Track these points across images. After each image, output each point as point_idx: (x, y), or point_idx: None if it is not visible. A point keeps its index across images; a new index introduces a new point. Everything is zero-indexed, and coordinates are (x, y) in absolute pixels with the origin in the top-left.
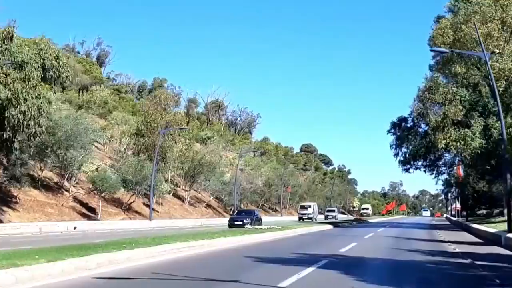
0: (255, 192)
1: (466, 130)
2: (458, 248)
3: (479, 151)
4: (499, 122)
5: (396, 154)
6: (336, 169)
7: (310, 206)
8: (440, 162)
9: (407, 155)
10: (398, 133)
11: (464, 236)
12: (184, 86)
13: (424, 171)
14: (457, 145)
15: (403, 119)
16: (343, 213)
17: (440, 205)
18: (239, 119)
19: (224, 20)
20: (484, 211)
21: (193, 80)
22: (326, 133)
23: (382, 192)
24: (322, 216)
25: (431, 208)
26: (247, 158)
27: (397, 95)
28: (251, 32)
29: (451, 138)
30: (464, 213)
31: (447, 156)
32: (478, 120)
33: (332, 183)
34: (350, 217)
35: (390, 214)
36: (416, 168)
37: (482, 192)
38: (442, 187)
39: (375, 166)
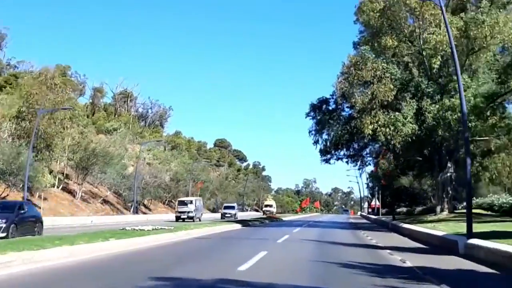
0: (160, 187)
1: (397, 113)
2: (408, 261)
3: (410, 139)
4: (433, 105)
5: (316, 142)
6: (251, 165)
7: (191, 202)
8: (365, 152)
9: (328, 143)
10: (319, 117)
11: (397, 239)
12: (91, 75)
13: (347, 162)
14: (386, 131)
15: (324, 101)
16: (256, 211)
17: (352, 202)
18: (150, 111)
19: (135, 9)
20: (404, 209)
21: (102, 70)
22: (241, 128)
23: (296, 189)
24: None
25: (343, 206)
26: (156, 152)
27: (319, 89)
28: (164, 22)
29: (380, 123)
30: (384, 211)
31: (374, 145)
32: (410, 102)
33: (245, 180)
34: (263, 215)
35: (304, 212)
36: (338, 159)
37: (403, 188)
38: (367, 182)
39: (290, 163)
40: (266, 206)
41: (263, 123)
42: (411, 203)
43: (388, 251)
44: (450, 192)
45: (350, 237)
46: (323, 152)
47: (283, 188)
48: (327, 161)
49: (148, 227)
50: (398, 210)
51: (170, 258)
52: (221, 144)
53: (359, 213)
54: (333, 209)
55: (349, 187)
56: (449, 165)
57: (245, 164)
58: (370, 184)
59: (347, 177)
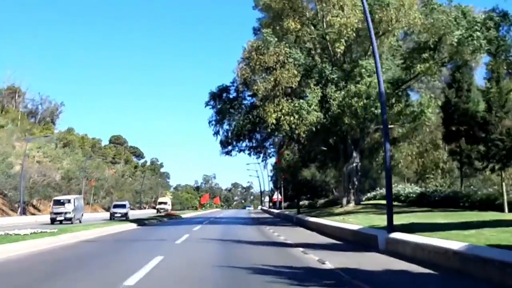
0: (49, 186)
1: (301, 101)
2: (327, 261)
3: (314, 128)
4: (338, 92)
5: (216, 133)
6: (149, 162)
7: (69, 201)
8: (269, 143)
9: (229, 134)
10: (219, 106)
11: (307, 235)
12: None
13: (249, 153)
14: (290, 120)
15: (224, 89)
16: (154, 208)
17: (252, 197)
18: (40, 107)
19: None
20: (306, 202)
21: None
22: (138, 125)
23: (196, 185)
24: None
25: (243, 201)
26: (47, 149)
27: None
28: (56, 13)
29: (283, 111)
30: (286, 204)
31: (278, 135)
32: (314, 89)
33: (142, 177)
34: (166, 212)
35: (204, 208)
36: (240, 150)
37: (304, 181)
38: (271, 175)
39: (189, 159)
40: (160, 203)
41: (161, 118)
42: (313, 196)
43: (301, 249)
44: (356, 183)
45: (256, 234)
46: (224, 143)
47: (182, 184)
48: (228, 153)
49: (26, 230)
50: (301, 203)
51: (42, 270)
52: (116, 141)
53: (259, 207)
54: (233, 204)
55: (248, 182)
56: (354, 154)
57: (142, 161)
58: (274, 178)
59: (248, 172)
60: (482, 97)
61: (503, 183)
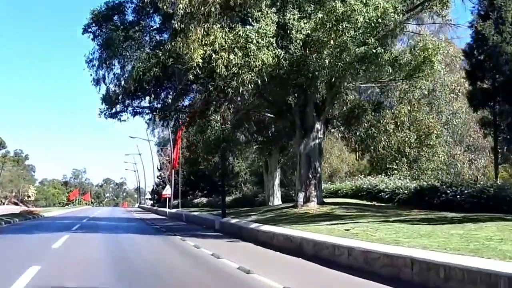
0: None
1: (248, 28)
2: None
3: (266, 78)
4: (305, 20)
5: (99, 81)
6: (12, 153)
7: None
8: (186, 102)
9: (121, 83)
10: (107, 34)
11: (296, 264)
12: None
13: (152, 118)
14: (229, 59)
15: (117, 7)
16: (16, 204)
17: (125, 194)
18: None
19: None
20: (204, 200)
21: None
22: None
23: (64, 180)
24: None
25: (115, 198)
26: None
27: None
28: None
29: (218, 44)
30: (176, 202)
31: (202, 90)
32: (268, 13)
33: (1, 168)
34: (23, 209)
35: (73, 205)
36: (136, 113)
37: (202, 174)
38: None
39: (57, 151)
40: None
41: (26, 103)
42: (211, 192)
43: None
44: (319, 170)
45: (188, 263)
46: (110, 100)
47: (49, 178)
48: (114, 115)
49: None
50: (196, 200)
51: None
52: None
53: (136, 205)
54: (105, 201)
55: (121, 178)
56: (318, 126)
57: (3, 151)
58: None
59: (123, 165)
60: None
61: None
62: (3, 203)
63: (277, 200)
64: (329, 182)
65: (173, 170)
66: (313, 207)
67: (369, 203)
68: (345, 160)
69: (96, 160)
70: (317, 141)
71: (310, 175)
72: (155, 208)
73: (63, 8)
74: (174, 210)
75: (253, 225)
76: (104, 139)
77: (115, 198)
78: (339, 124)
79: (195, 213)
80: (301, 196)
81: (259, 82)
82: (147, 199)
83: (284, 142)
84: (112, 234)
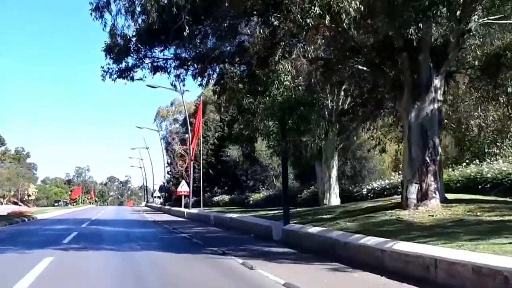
0: None
1: None
2: None
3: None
4: None
5: (103, 9)
6: (13, 151)
7: None
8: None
9: (138, 8)
10: None
11: None
12: None
13: (186, 70)
14: None
15: None
16: (15, 203)
17: (129, 192)
18: None
19: None
20: (226, 197)
21: None
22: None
23: (67, 178)
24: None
25: (119, 197)
26: None
27: None
28: None
29: None
30: (191, 200)
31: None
32: None
33: (0, 166)
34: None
35: (76, 204)
36: (158, 67)
37: (222, 168)
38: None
39: (60, 149)
40: None
41: (29, 99)
42: (233, 188)
43: None
44: (439, 151)
45: None
46: (119, 48)
47: (51, 177)
48: (125, 72)
49: None
50: (216, 199)
51: None
52: None
53: (143, 203)
54: (109, 200)
55: (126, 176)
56: (436, 83)
57: (3, 148)
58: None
59: (128, 163)
60: None
61: None
62: (1, 203)
63: (334, 197)
64: None
65: (191, 162)
66: (434, 207)
67: (501, 198)
68: None
69: (100, 158)
70: (435, 105)
71: (428, 158)
72: (166, 207)
73: None
74: (194, 211)
75: (370, 241)
76: (109, 133)
77: (119, 196)
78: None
79: (232, 216)
80: (412, 190)
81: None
82: (155, 197)
83: (384, 109)
84: (124, 252)
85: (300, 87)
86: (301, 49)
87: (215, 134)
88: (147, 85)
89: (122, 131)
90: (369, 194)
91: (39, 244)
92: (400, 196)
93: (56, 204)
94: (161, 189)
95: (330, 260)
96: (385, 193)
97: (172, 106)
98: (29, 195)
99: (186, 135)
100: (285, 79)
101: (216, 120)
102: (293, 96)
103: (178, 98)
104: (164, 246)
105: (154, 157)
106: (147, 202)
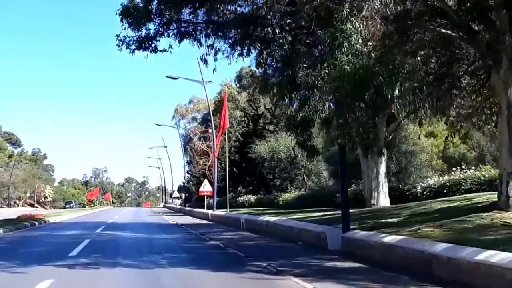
0: None
1: None
2: None
3: None
4: None
5: None
6: (30, 152)
7: None
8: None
9: None
10: None
11: None
12: None
13: (225, 38)
14: None
15: None
16: (31, 205)
17: (147, 193)
18: None
19: None
20: (252, 197)
21: None
22: (16, 107)
23: (84, 180)
24: None
25: (137, 198)
26: None
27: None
28: None
29: None
30: (212, 200)
31: None
32: None
33: (12, 166)
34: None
35: (93, 206)
36: (186, 34)
37: (247, 166)
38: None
39: (77, 150)
40: None
41: (45, 101)
42: (258, 188)
43: None
44: None
45: None
46: (138, 12)
47: (68, 178)
48: (145, 42)
49: None
50: (241, 199)
51: None
52: None
53: (161, 204)
54: (126, 201)
55: (144, 176)
56: None
57: (19, 149)
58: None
59: (145, 163)
60: None
61: None
62: (17, 205)
63: (383, 197)
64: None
65: (215, 160)
66: None
67: None
68: None
69: (117, 158)
70: None
71: None
72: (187, 208)
73: None
74: (220, 212)
75: (495, 257)
76: (126, 134)
77: (137, 198)
78: None
79: (268, 219)
80: None
81: None
82: (174, 198)
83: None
84: (146, 269)
85: (373, 54)
86: (375, 4)
87: (238, 130)
88: (166, 76)
89: (140, 131)
90: (424, 193)
91: (40, 257)
92: (496, 194)
93: (67, 206)
94: (180, 189)
95: (425, 281)
96: (445, 191)
97: (191, 104)
98: (45, 197)
99: (209, 130)
100: (356, 41)
101: (239, 116)
102: (367, 63)
103: (196, 95)
104: (196, 259)
105: (173, 157)
106: (165, 203)
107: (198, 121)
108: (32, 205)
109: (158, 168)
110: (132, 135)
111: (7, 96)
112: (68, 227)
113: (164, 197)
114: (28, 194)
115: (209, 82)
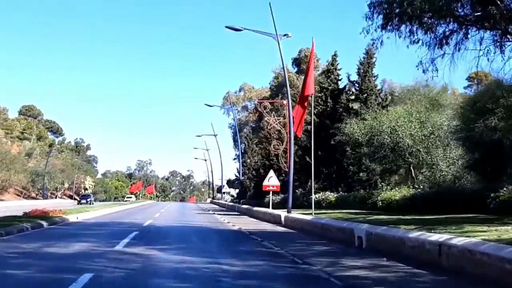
0: None
1: None
2: None
3: None
4: None
5: None
6: (73, 142)
7: None
8: None
9: None
10: None
11: None
12: None
13: None
14: None
15: None
16: (70, 197)
17: (191, 187)
18: None
19: None
20: (331, 195)
21: None
22: (61, 95)
23: (128, 172)
24: None
25: (181, 192)
26: None
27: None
28: None
29: None
30: (287, 198)
31: None
32: None
33: (47, 154)
34: (35, 208)
35: (136, 199)
36: None
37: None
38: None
39: (121, 141)
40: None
41: (91, 91)
42: (337, 183)
43: None
44: None
45: None
46: None
47: (112, 170)
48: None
49: None
50: (317, 196)
51: None
52: (28, 112)
53: (208, 200)
54: (170, 195)
55: (188, 170)
56: None
57: (60, 138)
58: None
59: (191, 155)
60: None
61: None
62: (55, 196)
63: None
64: None
65: (291, 142)
66: None
67: None
68: None
69: (162, 150)
70: None
71: None
72: (243, 206)
73: None
74: (299, 216)
75: None
76: (170, 126)
77: (181, 192)
78: None
79: (449, 241)
80: None
81: None
82: (224, 193)
83: None
84: None
85: None
86: None
87: (313, 110)
88: (226, 27)
89: (187, 121)
90: None
91: None
92: None
93: (82, 201)
94: (229, 183)
95: None
96: None
97: (241, 92)
98: (85, 189)
99: (285, 101)
100: None
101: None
102: None
103: (247, 83)
104: None
105: (224, 148)
106: (213, 198)
107: (249, 110)
108: (71, 197)
109: (205, 160)
110: (178, 128)
111: (52, 85)
112: (84, 234)
113: (212, 192)
114: (66, 185)
115: (285, 35)
